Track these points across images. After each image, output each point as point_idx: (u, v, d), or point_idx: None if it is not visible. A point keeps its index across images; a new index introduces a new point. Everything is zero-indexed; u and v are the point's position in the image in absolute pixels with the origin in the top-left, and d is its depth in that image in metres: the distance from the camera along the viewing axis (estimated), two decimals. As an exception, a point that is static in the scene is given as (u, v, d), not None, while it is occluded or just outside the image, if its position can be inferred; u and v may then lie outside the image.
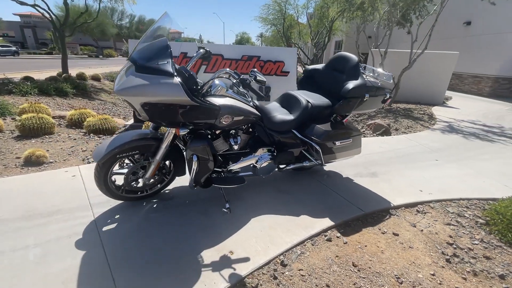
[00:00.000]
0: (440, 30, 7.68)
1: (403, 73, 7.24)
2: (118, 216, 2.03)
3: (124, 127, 4.62)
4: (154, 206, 2.19)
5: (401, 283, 1.59)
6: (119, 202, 2.17)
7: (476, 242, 1.99)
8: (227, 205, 2.16)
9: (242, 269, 1.59)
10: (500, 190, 2.75)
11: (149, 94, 1.58)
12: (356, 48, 14.23)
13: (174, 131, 1.88)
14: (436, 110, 7.29)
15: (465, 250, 1.90)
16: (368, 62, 9.48)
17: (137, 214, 2.06)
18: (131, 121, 4.89)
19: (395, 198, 2.47)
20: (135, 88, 1.53)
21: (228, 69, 1.87)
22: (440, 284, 1.60)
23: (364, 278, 1.61)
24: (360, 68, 2.43)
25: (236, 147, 2.15)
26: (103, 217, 2.00)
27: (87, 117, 4.31)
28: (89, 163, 2.97)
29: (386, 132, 4.75)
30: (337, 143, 2.33)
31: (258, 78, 1.75)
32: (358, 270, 1.66)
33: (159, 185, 2.24)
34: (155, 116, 1.69)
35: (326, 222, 2.07)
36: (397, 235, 2.02)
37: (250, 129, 2.34)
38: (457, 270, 1.72)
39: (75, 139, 3.75)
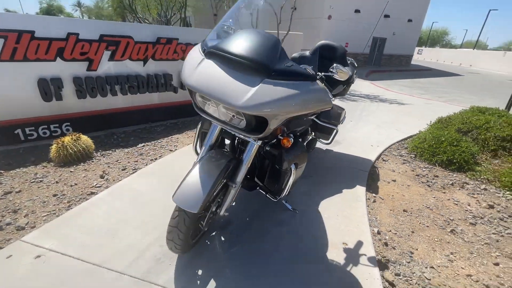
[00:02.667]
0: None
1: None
2: (201, 271, 1.53)
3: None
4: (222, 239, 1.78)
5: (432, 210, 2.31)
6: (175, 255, 1.60)
7: (423, 168, 3.08)
8: (290, 206, 2.12)
9: (368, 251, 1.74)
10: (397, 133, 4.18)
11: (303, 107, 1.26)
12: (214, 24, 14.42)
13: (259, 144, 1.57)
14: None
15: (426, 174, 2.93)
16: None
17: (216, 260, 1.62)
18: None
19: (368, 155, 3.25)
20: (288, 99, 1.15)
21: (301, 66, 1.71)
22: (456, 204, 2.47)
23: (418, 217, 2.21)
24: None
25: None
26: (183, 283, 1.45)
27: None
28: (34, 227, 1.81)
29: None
30: (344, 121, 2.71)
31: (340, 72, 1.66)
32: (410, 214, 2.24)
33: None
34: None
35: (360, 189, 2.49)
36: (394, 181, 2.77)
37: None
38: (444, 189, 2.66)
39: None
